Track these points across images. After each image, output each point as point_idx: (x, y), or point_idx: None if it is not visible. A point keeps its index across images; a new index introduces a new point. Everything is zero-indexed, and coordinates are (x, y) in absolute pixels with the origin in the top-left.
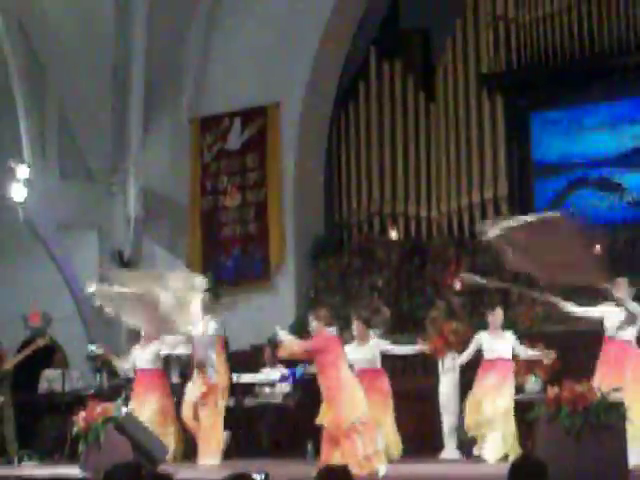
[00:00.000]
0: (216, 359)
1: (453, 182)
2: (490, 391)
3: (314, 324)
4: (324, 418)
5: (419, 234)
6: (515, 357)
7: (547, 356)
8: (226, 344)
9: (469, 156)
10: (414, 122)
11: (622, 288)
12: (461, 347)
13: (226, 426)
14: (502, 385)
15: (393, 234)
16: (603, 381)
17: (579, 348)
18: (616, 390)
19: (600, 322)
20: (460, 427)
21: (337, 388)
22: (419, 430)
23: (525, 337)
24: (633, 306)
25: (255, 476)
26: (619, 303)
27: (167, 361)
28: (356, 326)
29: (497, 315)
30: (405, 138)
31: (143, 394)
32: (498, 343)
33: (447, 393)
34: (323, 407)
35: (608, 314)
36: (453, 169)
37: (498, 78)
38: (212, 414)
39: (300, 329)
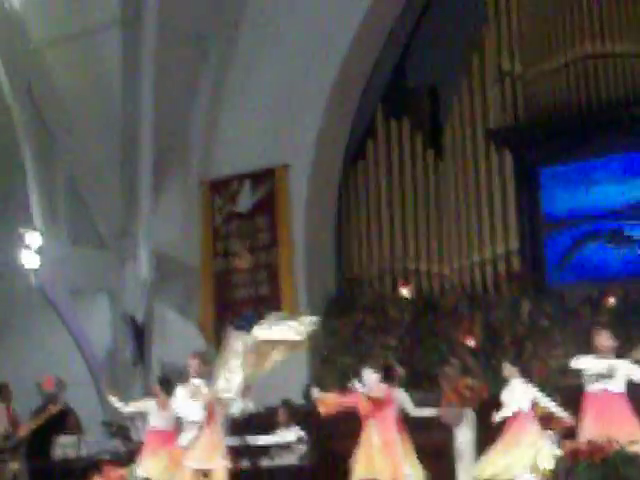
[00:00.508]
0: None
1: (464, 238)
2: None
3: (372, 376)
4: (383, 473)
5: (431, 291)
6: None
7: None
8: None
9: (479, 212)
10: (423, 180)
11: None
12: (476, 403)
13: None
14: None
15: (405, 291)
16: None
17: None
18: (634, 442)
19: None
20: None
21: (395, 441)
22: None
23: (542, 390)
24: None
25: None
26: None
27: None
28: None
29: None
30: (415, 196)
31: (154, 451)
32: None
33: (463, 449)
34: (378, 461)
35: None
36: (463, 225)
37: (506, 133)
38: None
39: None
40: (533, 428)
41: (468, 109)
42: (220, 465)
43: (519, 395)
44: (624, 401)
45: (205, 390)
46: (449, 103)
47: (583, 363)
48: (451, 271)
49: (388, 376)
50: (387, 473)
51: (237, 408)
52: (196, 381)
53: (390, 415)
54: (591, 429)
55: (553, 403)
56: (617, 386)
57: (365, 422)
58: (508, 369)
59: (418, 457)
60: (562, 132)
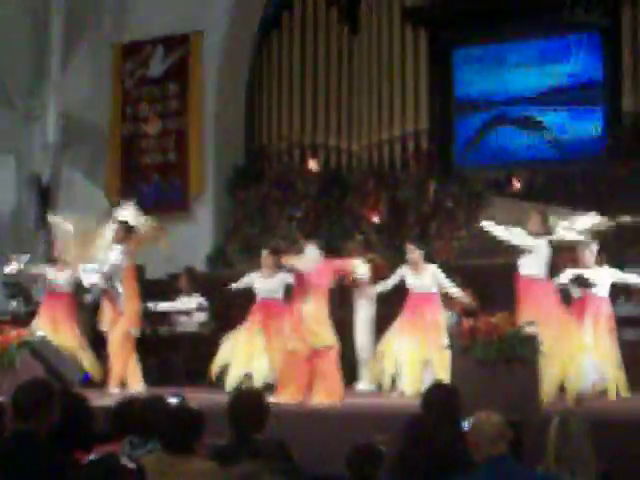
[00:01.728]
0: (126, 287)
1: (374, 115)
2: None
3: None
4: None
5: (339, 166)
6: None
7: (468, 303)
8: (141, 272)
9: (391, 90)
10: (337, 54)
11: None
12: (377, 279)
13: (141, 354)
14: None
15: (313, 165)
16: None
17: (496, 282)
18: (530, 323)
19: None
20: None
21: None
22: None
23: (443, 271)
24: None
25: (171, 400)
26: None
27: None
28: (264, 256)
29: (411, 251)
30: (327, 70)
31: (55, 318)
32: (421, 278)
33: (362, 324)
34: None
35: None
36: (375, 102)
37: (422, 12)
38: (122, 341)
39: (217, 259)
40: (439, 308)
41: None
42: (119, 330)
43: (428, 277)
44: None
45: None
46: None
47: (493, 227)
48: (360, 147)
49: None
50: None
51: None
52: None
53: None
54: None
55: (452, 284)
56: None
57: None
58: (412, 250)
59: None
60: (478, 14)
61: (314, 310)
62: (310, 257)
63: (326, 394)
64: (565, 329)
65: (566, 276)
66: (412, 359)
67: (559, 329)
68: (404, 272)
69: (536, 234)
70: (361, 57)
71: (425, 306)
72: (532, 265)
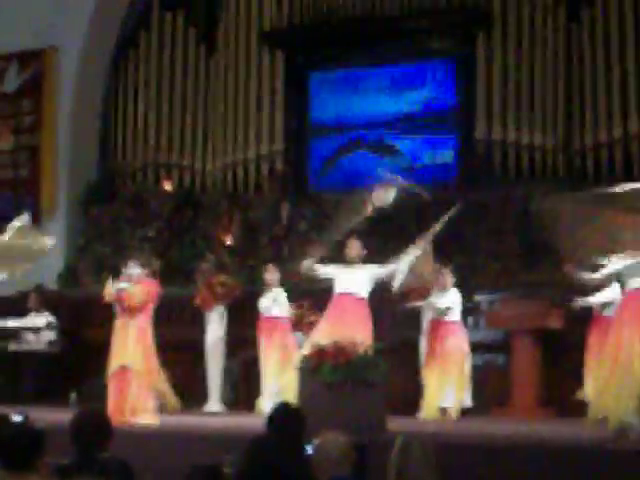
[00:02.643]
0: None
1: (230, 136)
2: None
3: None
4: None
5: (193, 186)
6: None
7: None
8: None
9: (247, 111)
10: (194, 74)
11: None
12: (229, 300)
13: None
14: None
15: (167, 185)
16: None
17: None
18: (378, 346)
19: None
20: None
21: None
22: (186, 380)
23: (294, 293)
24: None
25: (14, 417)
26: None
27: None
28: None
29: (270, 272)
30: (184, 90)
31: None
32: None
33: (213, 345)
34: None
35: None
36: (230, 123)
37: (279, 35)
38: None
39: (68, 277)
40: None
41: (244, 7)
42: None
43: (279, 300)
44: (363, 306)
45: None
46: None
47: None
48: (214, 168)
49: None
50: (139, 362)
51: None
52: None
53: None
54: (326, 330)
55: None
56: (361, 290)
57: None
58: (271, 272)
59: (170, 351)
60: (335, 38)
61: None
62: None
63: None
64: None
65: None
66: (268, 380)
67: None
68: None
69: (354, 259)
70: (218, 78)
71: (276, 330)
72: (354, 286)
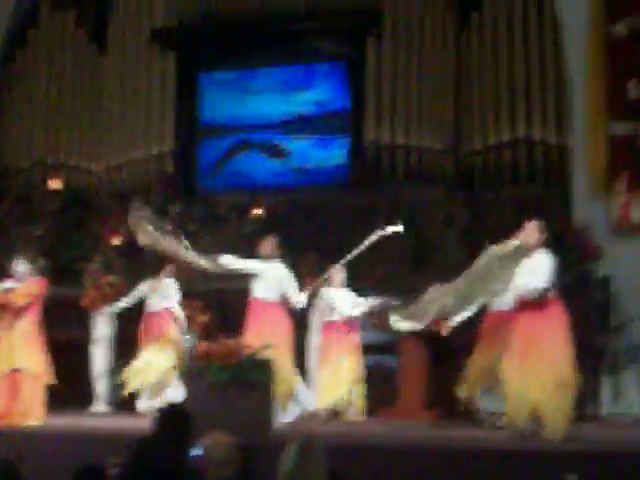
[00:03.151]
0: None
1: (119, 137)
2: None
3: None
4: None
5: (81, 186)
6: None
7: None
8: None
9: (137, 111)
10: (84, 73)
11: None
12: (117, 300)
13: None
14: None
15: (55, 184)
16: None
17: (236, 306)
18: (266, 348)
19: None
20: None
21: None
22: (71, 382)
23: (184, 295)
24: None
25: None
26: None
27: None
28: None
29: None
30: (73, 89)
31: None
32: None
33: (100, 345)
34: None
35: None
36: (120, 123)
37: (170, 34)
38: None
39: None
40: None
41: (134, 7)
42: None
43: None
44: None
45: None
46: None
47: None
48: (103, 168)
49: None
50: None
51: None
52: None
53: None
54: (249, 334)
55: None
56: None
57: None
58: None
59: (56, 351)
60: (226, 39)
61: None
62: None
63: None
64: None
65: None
66: (148, 378)
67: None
68: (144, 289)
69: (268, 258)
70: (108, 77)
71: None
72: (264, 289)
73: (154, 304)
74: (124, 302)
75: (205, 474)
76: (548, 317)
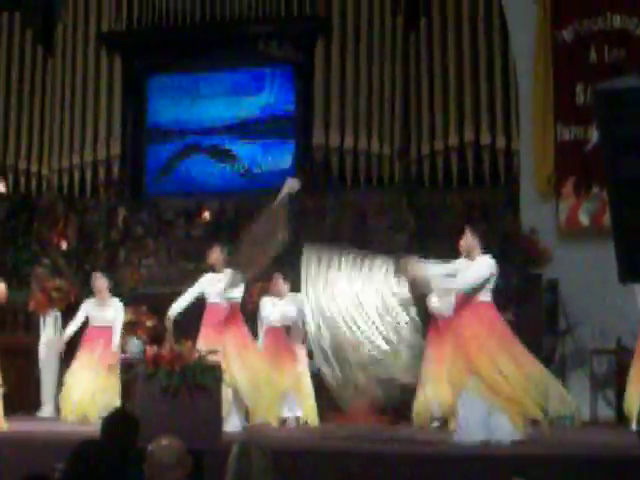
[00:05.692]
0: None
1: (66, 140)
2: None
3: None
4: None
5: (29, 190)
6: None
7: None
8: None
9: (84, 114)
10: (31, 76)
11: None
12: (64, 304)
13: None
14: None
15: (1, 188)
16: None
17: (185, 310)
18: (213, 352)
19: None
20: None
21: None
22: (18, 387)
23: (130, 299)
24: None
25: None
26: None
27: None
28: None
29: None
30: (20, 91)
31: None
32: (104, 311)
33: (47, 350)
34: None
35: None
36: (67, 127)
37: (117, 37)
38: None
39: None
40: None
41: (82, 9)
42: None
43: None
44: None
45: None
46: (63, 1)
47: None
48: (51, 171)
49: None
50: None
51: None
52: None
53: None
54: (203, 339)
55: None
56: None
57: None
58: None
59: (3, 356)
60: (173, 43)
61: None
62: None
63: None
64: (248, 356)
65: None
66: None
67: (245, 357)
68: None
69: (216, 267)
70: (55, 80)
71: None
72: (217, 294)
73: (99, 319)
74: (73, 326)
75: (154, 479)
76: (477, 320)
